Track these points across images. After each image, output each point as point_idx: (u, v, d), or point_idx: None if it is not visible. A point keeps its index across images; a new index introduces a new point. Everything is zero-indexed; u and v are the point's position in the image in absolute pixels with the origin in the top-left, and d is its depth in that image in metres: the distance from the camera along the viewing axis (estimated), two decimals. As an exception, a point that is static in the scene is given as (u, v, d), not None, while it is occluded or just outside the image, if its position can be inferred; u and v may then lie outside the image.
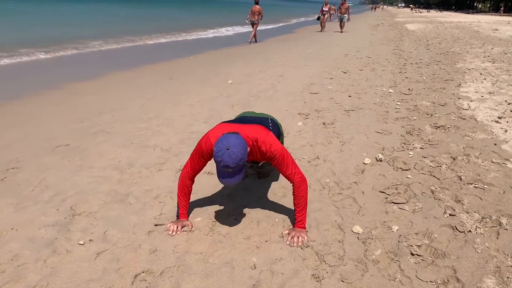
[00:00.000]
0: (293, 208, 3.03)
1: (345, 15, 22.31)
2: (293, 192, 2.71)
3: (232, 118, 5.48)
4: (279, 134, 3.20)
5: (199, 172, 2.85)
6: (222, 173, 2.44)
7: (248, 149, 2.54)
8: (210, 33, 20.43)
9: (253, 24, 16.57)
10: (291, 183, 2.72)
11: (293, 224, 2.82)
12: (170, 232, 2.78)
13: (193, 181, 2.87)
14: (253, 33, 16.60)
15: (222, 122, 2.89)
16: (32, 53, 11.66)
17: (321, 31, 22.75)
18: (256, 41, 16.71)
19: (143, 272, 2.39)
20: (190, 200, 3.08)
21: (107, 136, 4.90)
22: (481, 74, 8.56)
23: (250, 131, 2.62)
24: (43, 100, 6.87)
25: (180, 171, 3.69)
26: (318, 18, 23.26)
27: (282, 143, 3.37)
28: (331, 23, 23.99)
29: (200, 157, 2.72)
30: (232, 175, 2.43)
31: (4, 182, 3.64)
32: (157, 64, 10.86)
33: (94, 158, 4.18)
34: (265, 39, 18.02)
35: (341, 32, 21.77)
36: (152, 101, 6.66)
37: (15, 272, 2.40)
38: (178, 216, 2.91)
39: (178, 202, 2.90)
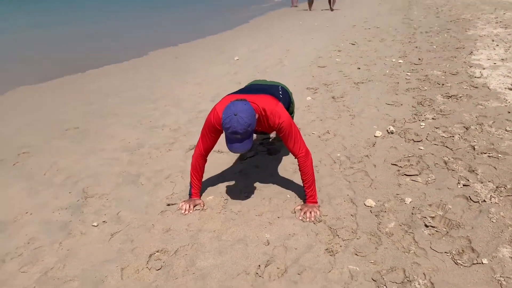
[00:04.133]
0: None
1: None
2: (299, 168, 2.69)
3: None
4: (289, 102, 3.14)
5: (212, 149, 2.81)
6: (230, 140, 2.41)
7: (257, 115, 2.49)
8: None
9: None
10: (295, 158, 2.68)
11: (305, 199, 2.82)
12: (183, 211, 2.79)
13: (205, 160, 2.85)
14: None
15: (229, 94, 2.83)
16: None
17: (309, 9, 17.47)
18: (297, 6, 19.03)
19: (157, 252, 2.41)
20: (202, 179, 3.09)
21: (116, 118, 4.90)
22: (493, 40, 8.33)
23: (259, 101, 2.57)
24: (50, 83, 6.87)
25: (190, 150, 3.71)
26: None
27: (292, 111, 3.31)
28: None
29: (210, 132, 2.68)
30: (241, 141, 2.40)
31: (16, 167, 3.68)
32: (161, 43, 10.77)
33: (104, 140, 4.19)
34: (266, 12, 17.70)
35: (331, 10, 16.73)
36: (159, 81, 6.63)
37: (32, 255, 2.44)
38: (190, 195, 2.91)
39: (191, 181, 2.89)
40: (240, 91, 2.84)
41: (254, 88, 2.89)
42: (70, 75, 7.47)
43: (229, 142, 2.42)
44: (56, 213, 2.88)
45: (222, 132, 2.66)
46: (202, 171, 2.88)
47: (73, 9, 22.34)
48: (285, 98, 3.01)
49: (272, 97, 2.68)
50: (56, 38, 11.88)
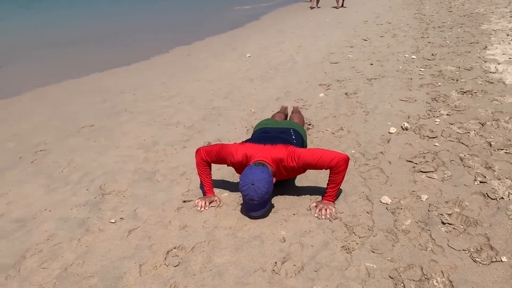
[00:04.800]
0: (318, 181, 3.03)
1: None
2: (331, 169, 2.65)
3: (252, 92, 5.46)
4: (302, 142, 3.21)
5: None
6: (248, 205, 2.59)
7: (274, 180, 2.61)
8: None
9: None
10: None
11: (321, 196, 2.81)
12: (199, 208, 2.81)
13: (210, 163, 2.93)
14: None
15: (247, 140, 2.93)
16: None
17: (313, 7, 16.59)
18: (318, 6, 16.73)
19: (175, 248, 2.44)
20: (217, 177, 3.11)
21: (130, 115, 4.94)
22: (508, 35, 8.21)
23: (273, 153, 2.66)
24: (65, 83, 6.94)
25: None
26: None
27: (306, 146, 3.37)
28: None
29: (219, 160, 2.82)
30: (258, 207, 2.57)
31: (34, 165, 3.73)
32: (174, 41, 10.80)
33: (119, 138, 4.23)
34: (276, 8, 17.63)
35: (338, 7, 15.76)
36: (172, 79, 6.66)
37: (52, 251, 2.48)
38: (204, 193, 2.93)
39: (201, 180, 2.94)
40: (256, 140, 2.90)
41: (268, 136, 2.98)
42: (85, 75, 7.53)
43: (246, 207, 2.63)
44: (74, 210, 2.92)
45: (228, 166, 2.84)
46: (210, 170, 2.94)
47: (83, 6, 22.49)
48: (298, 141, 3.11)
49: (283, 145, 2.73)
50: (69, 37, 11.98)
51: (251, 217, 2.66)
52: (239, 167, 2.74)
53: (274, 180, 2.63)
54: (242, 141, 2.90)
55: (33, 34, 12.71)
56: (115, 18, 17.13)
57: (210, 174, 2.94)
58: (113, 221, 2.74)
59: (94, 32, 12.82)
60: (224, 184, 3.14)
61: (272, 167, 2.63)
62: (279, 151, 2.66)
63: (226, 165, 2.84)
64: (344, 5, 16.12)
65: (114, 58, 8.79)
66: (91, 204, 2.99)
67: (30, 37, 12.13)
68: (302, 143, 3.18)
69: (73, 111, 5.26)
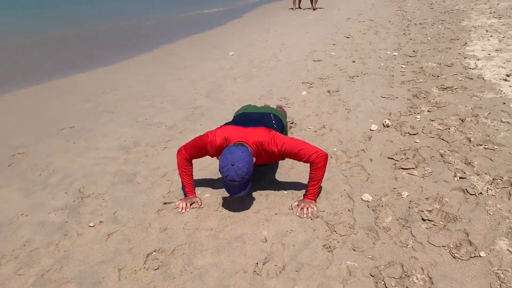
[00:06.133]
0: (300, 180, 3.02)
1: None
2: (311, 166, 2.66)
3: (235, 91, 5.44)
4: (282, 128, 3.19)
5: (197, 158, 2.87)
6: (228, 186, 2.53)
7: (254, 159, 2.56)
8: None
9: None
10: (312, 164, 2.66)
11: (303, 195, 2.81)
12: (180, 210, 2.78)
13: (191, 163, 2.88)
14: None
15: (226, 123, 2.86)
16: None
17: (294, 8, 15.75)
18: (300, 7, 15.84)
19: (155, 251, 2.40)
20: (198, 177, 3.07)
21: (111, 116, 4.87)
22: (487, 31, 8.32)
23: (255, 136, 2.62)
24: (44, 84, 6.81)
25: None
26: None
27: (286, 133, 3.36)
28: None
29: (201, 152, 2.76)
30: (239, 188, 2.51)
31: (11, 168, 3.65)
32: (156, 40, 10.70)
33: (99, 139, 4.16)
34: (259, 6, 17.62)
35: (313, 9, 15.15)
36: (154, 78, 6.58)
37: (29, 257, 2.42)
38: (185, 194, 2.90)
39: (182, 181, 2.90)
40: (237, 123, 2.85)
41: (249, 120, 2.94)
42: (67, 75, 7.40)
43: (227, 188, 2.55)
44: (52, 214, 2.86)
45: (211, 156, 2.77)
46: (191, 170, 2.89)
47: (66, 6, 22.15)
48: (279, 126, 3.09)
49: (266, 128, 2.71)
50: (50, 37, 11.78)
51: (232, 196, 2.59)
52: (221, 152, 2.64)
53: (255, 160, 2.58)
54: (221, 125, 2.85)
55: (12, 34, 12.46)
56: (96, 18, 16.91)
57: (192, 174, 2.90)
58: (92, 225, 2.69)
59: (75, 32, 12.62)
60: (206, 185, 3.11)
61: (252, 149, 2.59)
62: (261, 134, 2.63)
63: (208, 156, 2.78)
64: (317, 7, 15.53)
65: (96, 58, 8.67)
66: (70, 208, 2.93)
67: (9, 37, 11.88)
68: (282, 129, 3.16)
69: (54, 112, 5.16)
